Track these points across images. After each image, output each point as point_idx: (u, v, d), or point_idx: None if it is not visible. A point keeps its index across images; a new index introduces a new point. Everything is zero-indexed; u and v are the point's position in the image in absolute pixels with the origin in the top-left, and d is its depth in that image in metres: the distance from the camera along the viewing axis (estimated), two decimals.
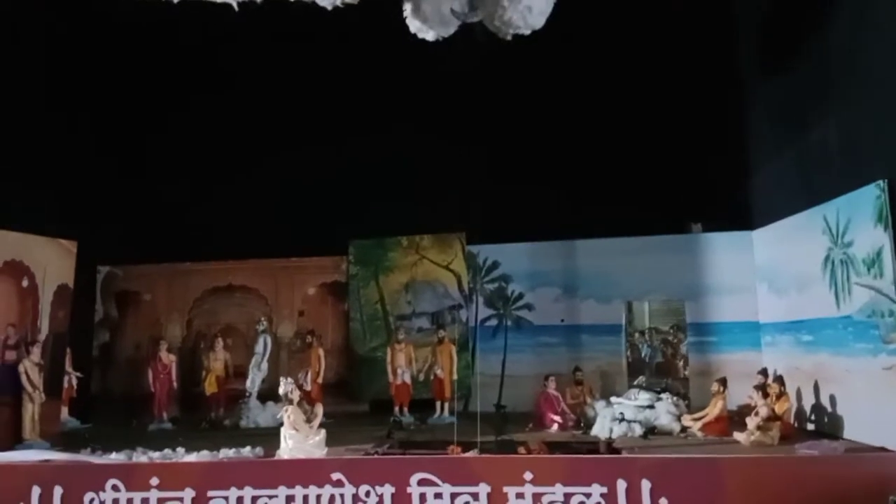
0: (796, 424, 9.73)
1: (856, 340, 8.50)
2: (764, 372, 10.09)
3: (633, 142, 11.83)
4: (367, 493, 5.46)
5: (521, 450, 7.94)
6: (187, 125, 12.71)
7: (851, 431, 8.66)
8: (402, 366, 11.55)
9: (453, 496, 5.35)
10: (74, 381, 11.46)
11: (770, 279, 11.27)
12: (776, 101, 10.68)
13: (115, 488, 5.66)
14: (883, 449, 7.42)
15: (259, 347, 11.94)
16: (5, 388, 9.31)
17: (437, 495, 5.37)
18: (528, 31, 7.46)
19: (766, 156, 11.29)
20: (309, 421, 7.69)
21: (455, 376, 11.47)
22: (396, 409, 11.34)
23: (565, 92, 11.90)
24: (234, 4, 7.26)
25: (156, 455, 8.09)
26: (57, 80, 11.43)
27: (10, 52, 10.39)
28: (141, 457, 8.03)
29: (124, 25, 11.27)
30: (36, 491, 5.59)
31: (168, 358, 11.87)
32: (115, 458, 7.92)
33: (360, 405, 12.43)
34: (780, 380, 9.87)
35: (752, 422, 8.88)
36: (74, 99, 11.89)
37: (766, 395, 9.20)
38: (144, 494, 5.61)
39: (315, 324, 12.88)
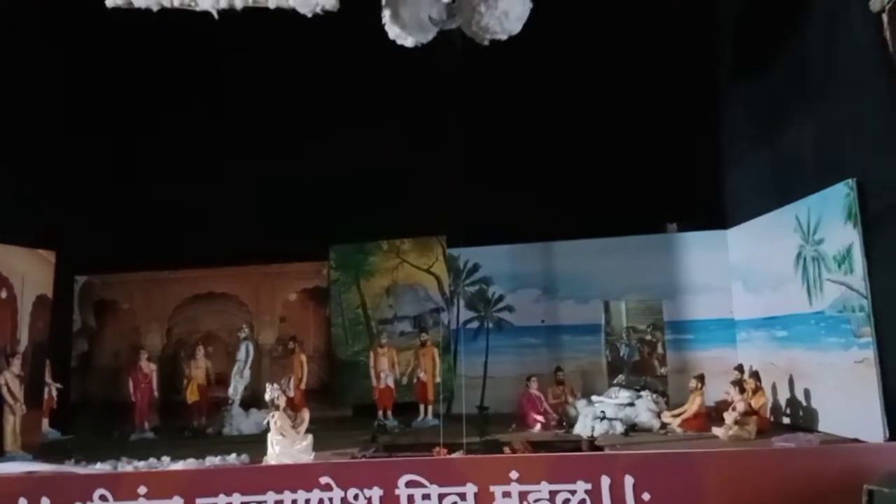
0: (772, 418, 9.94)
1: (828, 335, 8.72)
2: (740, 368, 10.30)
3: (610, 143, 12.00)
4: (356, 496, 5.49)
5: (506, 450, 8.04)
6: (164, 133, 12.64)
7: (826, 424, 8.88)
8: (384, 370, 11.59)
9: (441, 497, 5.40)
10: (55, 392, 11.32)
11: (744, 277, 11.50)
12: (750, 102, 10.90)
13: (102, 498, 5.62)
14: (856, 440, 7.64)
15: (241, 354, 11.94)
16: None
17: (425, 496, 5.42)
18: (505, 37, 7.59)
19: (740, 156, 11.52)
20: (295, 426, 7.73)
21: (438, 379, 11.56)
22: (380, 412, 11.38)
23: (543, 94, 12.04)
24: (214, 13, 7.31)
25: (141, 464, 8.09)
26: (35, 92, 11.32)
27: None
28: (126, 466, 8.02)
29: (104, 34, 11.19)
30: (23, 502, 5.54)
31: (148, 367, 11.81)
32: (99, 468, 7.91)
33: (343, 410, 12.45)
34: (755, 375, 10.10)
35: (729, 417, 9.08)
36: (51, 110, 11.77)
37: (742, 391, 9.42)
38: (132, 503, 5.57)
39: (297, 330, 12.88)
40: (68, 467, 7.95)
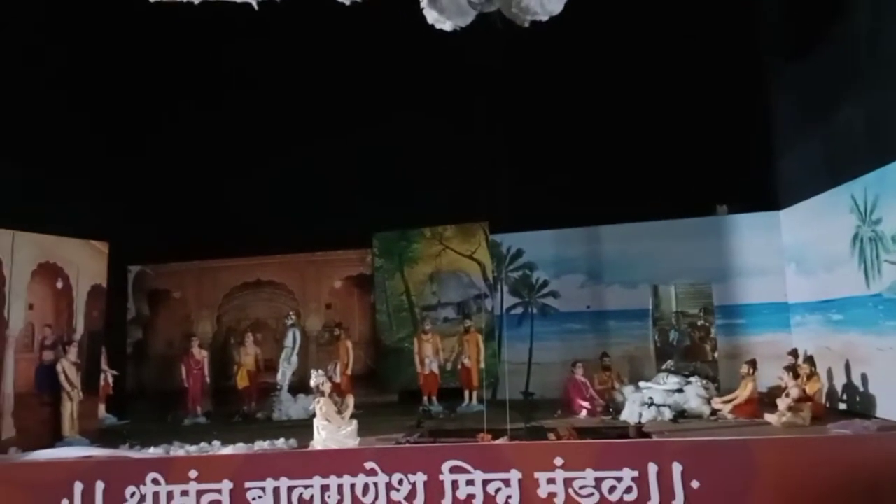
0: (828, 405, 9.65)
1: (886, 318, 8.41)
2: (794, 353, 10.02)
3: (657, 125, 11.72)
4: (400, 482, 5.51)
5: (551, 436, 7.98)
6: (212, 124, 12.83)
7: (883, 410, 8.59)
8: (429, 356, 11.63)
9: (485, 483, 5.38)
10: (110, 379, 11.70)
11: (798, 259, 11.16)
12: (801, 81, 10.55)
13: (155, 482, 5.76)
14: None
15: (288, 341, 12.12)
16: (44, 387, 9.55)
17: (469, 482, 5.41)
18: (546, 17, 7.41)
19: (792, 135, 11.15)
20: (340, 412, 7.80)
21: (482, 365, 11.53)
22: (425, 398, 11.42)
23: (587, 76, 11.81)
24: (255, 4, 7.33)
25: (192, 449, 8.27)
26: (81, 83, 11.62)
27: (33, 57, 10.61)
28: (178, 450, 8.21)
29: (144, 25, 11.38)
30: (78, 486, 5.72)
31: (200, 354, 12.07)
32: (152, 452, 8.12)
33: (388, 396, 12.54)
34: (810, 360, 9.81)
35: (782, 403, 8.82)
36: (100, 102, 12.08)
37: (796, 376, 9.14)
38: (184, 487, 5.71)
39: (342, 316, 13.02)
40: (123, 452, 8.18)
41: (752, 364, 9.83)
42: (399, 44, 11.37)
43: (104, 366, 11.28)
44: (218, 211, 12.87)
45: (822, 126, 9.98)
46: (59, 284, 10.00)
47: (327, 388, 7.85)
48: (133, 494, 5.74)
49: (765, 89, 11.61)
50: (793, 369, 9.29)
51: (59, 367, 9.64)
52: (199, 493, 5.71)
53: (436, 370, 11.65)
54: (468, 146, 11.83)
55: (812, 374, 9.48)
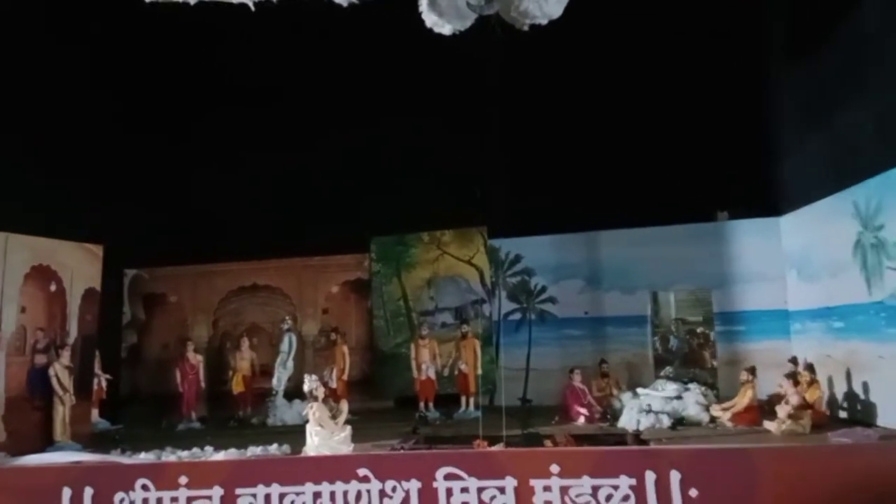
0: (828, 412, 9.57)
1: (889, 326, 8.33)
2: (794, 360, 9.95)
3: (657, 129, 11.67)
4: (394, 489, 5.41)
5: (548, 443, 7.90)
6: (207, 130, 12.81)
7: (885, 418, 8.50)
8: (426, 361, 11.54)
9: (480, 490, 5.28)
10: (104, 383, 11.56)
11: (799, 266, 11.08)
12: (803, 86, 10.49)
13: (144, 488, 5.67)
14: None
15: (284, 346, 12.03)
16: (36, 391, 9.46)
17: (464, 489, 5.30)
18: (545, 21, 7.36)
19: (793, 141, 11.10)
20: (334, 418, 7.71)
21: (479, 371, 11.44)
22: (421, 404, 11.34)
23: (587, 81, 11.76)
24: (251, 4, 7.28)
25: (184, 454, 8.18)
26: (77, 86, 11.55)
27: (28, 59, 10.55)
28: (170, 456, 8.13)
29: (147, 29, 11.35)
30: (67, 492, 5.62)
31: (195, 358, 11.98)
32: (144, 458, 8.03)
33: (385, 401, 12.45)
34: (810, 368, 9.73)
35: (782, 410, 8.73)
36: (96, 106, 12.01)
37: (796, 384, 9.04)
38: (174, 493, 5.61)
39: (339, 321, 12.95)
40: (115, 457, 8.09)
41: (752, 371, 9.74)
42: (397, 48, 11.31)
43: (98, 370, 11.19)
44: (214, 215, 12.82)
45: (824, 131, 9.92)
46: (53, 287, 9.91)
47: (321, 393, 7.75)
48: (122, 501, 5.64)
49: (765, 94, 11.55)
50: (793, 377, 9.19)
51: (51, 371, 9.55)
52: (189, 500, 5.61)
53: (433, 376, 11.56)
54: (466, 151, 11.77)
55: (812, 382, 9.39)
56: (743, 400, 9.46)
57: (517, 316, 12.77)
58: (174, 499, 5.60)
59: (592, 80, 11.72)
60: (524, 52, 10.62)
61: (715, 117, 11.42)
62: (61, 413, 9.53)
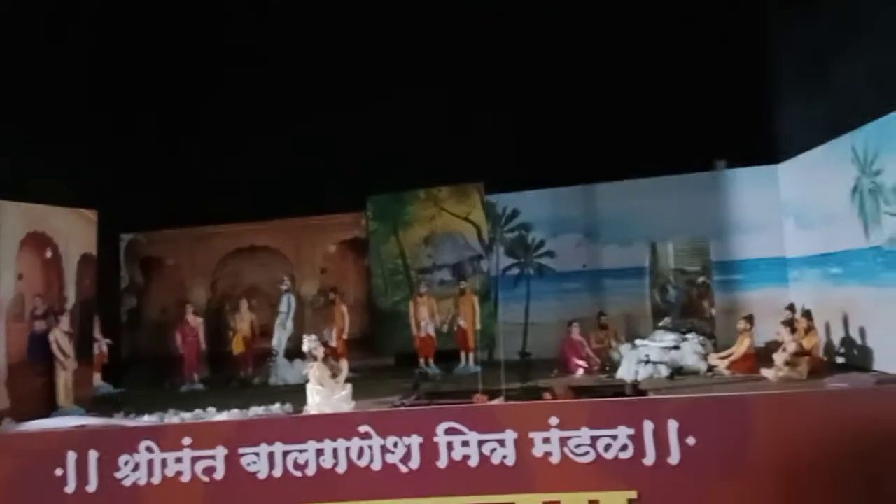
0: (825, 359, 9.64)
1: (886, 271, 8.34)
2: (791, 307, 9.97)
3: (653, 79, 11.53)
4: (395, 444, 5.43)
5: (547, 396, 7.95)
6: (202, 90, 12.65)
7: (882, 363, 8.56)
8: (425, 319, 11.57)
9: (480, 443, 5.32)
10: (105, 348, 11.65)
11: (797, 213, 11.05)
12: (800, 32, 10.34)
13: (148, 449, 5.68)
14: None
15: (283, 306, 12.06)
16: (37, 357, 9.49)
17: (464, 443, 5.34)
18: None
19: (791, 88, 10.97)
20: (335, 376, 7.75)
21: (478, 326, 11.49)
22: (422, 361, 11.40)
23: (582, 32, 11.59)
24: None
25: (187, 416, 8.26)
26: (72, 51, 11.35)
27: (25, 27, 10.33)
28: (173, 418, 8.20)
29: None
30: (72, 455, 5.64)
31: (195, 321, 12.01)
32: (147, 420, 8.10)
33: (385, 359, 12.54)
34: (807, 314, 9.77)
35: (780, 357, 8.80)
36: (89, 69, 11.83)
37: (793, 331, 9.10)
38: (178, 454, 5.63)
39: (337, 281, 12.96)
40: (118, 420, 8.16)
41: (749, 319, 9.79)
42: (391, 4, 11.12)
43: (98, 335, 11.24)
44: (210, 176, 12.75)
45: (822, 77, 9.79)
46: (49, 254, 9.87)
47: (320, 352, 7.78)
48: (127, 463, 5.67)
49: (763, 41, 11.37)
50: (790, 324, 9.25)
51: (51, 337, 9.58)
52: (194, 460, 5.64)
53: (432, 333, 11.61)
54: (461, 106, 11.66)
55: (809, 329, 9.44)
56: (740, 348, 9.53)
57: (515, 271, 12.78)
58: (178, 459, 5.62)
59: (588, 32, 11.54)
60: (520, 5, 10.45)
61: (712, 65, 11.27)
62: (63, 378, 9.59)
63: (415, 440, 5.42)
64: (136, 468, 5.63)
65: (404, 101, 11.77)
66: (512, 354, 10.10)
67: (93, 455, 5.68)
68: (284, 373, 11.40)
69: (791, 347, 8.80)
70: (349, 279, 13.25)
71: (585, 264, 12.43)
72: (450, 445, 5.37)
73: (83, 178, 10.96)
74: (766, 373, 8.83)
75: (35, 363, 9.46)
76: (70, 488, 5.55)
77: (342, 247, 13.45)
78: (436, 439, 5.38)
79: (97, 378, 11.15)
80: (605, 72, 11.53)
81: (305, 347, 7.82)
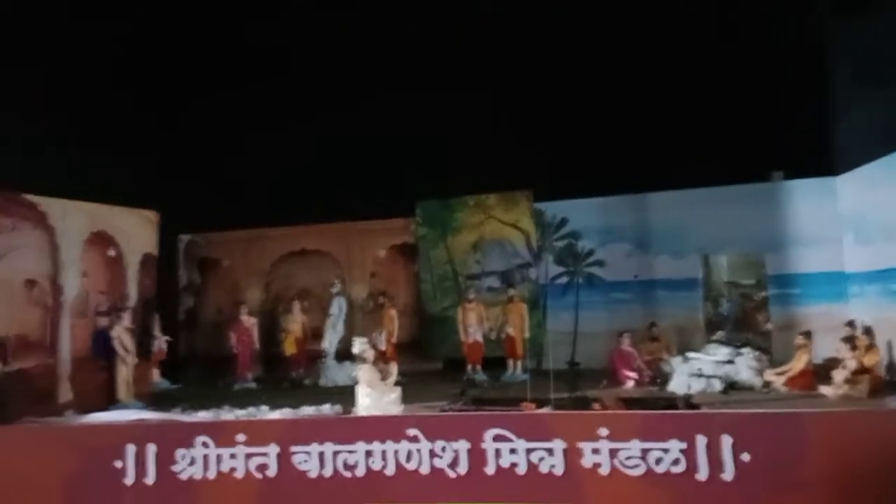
0: (887, 377, 9.32)
1: None
2: (851, 324, 9.68)
3: (710, 87, 11.33)
4: (443, 449, 5.49)
5: (596, 406, 7.88)
6: (259, 96, 12.92)
7: None
8: (473, 325, 11.58)
9: (528, 451, 5.32)
10: (164, 345, 12.01)
11: (856, 227, 10.73)
12: (860, 42, 10.05)
13: (204, 445, 5.86)
14: None
15: (334, 309, 12.24)
16: (100, 353, 9.85)
17: (512, 451, 5.36)
18: None
19: (850, 98, 10.67)
20: (384, 379, 7.83)
21: (526, 334, 11.45)
22: (469, 367, 11.41)
23: (636, 39, 11.47)
24: None
25: (241, 413, 8.44)
26: (132, 56, 11.77)
27: (81, 37, 10.77)
28: (227, 415, 8.39)
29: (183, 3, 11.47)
30: (131, 449, 5.85)
31: (249, 321, 12.28)
32: (203, 416, 8.30)
33: (433, 364, 12.59)
34: (868, 331, 9.45)
35: (839, 375, 8.55)
36: (149, 75, 12.23)
37: (854, 348, 8.82)
38: (232, 450, 5.79)
39: (387, 285, 13.10)
40: (175, 415, 8.39)
41: (808, 335, 9.53)
42: (443, 11, 11.20)
43: (157, 332, 11.59)
44: (264, 180, 13.02)
45: (882, 89, 9.51)
46: (112, 253, 10.24)
47: (370, 355, 7.88)
48: (184, 457, 5.85)
49: (822, 51, 11.09)
50: (850, 340, 8.96)
51: (113, 334, 9.91)
52: (247, 457, 5.79)
53: (480, 339, 11.61)
54: (511, 114, 11.66)
55: (870, 346, 9.13)
56: (798, 364, 9.28)
57: (564, 279, 12.71)
58: (233, 455, 5.78)
59: (643, 38, 11.42)
60: (570, 10, 10.41)
61: (770, 74, 11.05)
62: (124, 373, 9.92)
63: (462, 445, 5.46)
64: (192, 462, 5.81)
65: (455, 109, 11.83)
66: (560, 364, 10.03)
67: (151, 448, 5.87)
68: (334, 374, 11.55)
69: (851, 365, 8.54)
70: (398, 283, 13.38)
71: (637, 275, 12.28)
72: (498, 452, 5.39)
73: (145, 180, 11.32)
74: (824, 390, 8.58)
75: (97, 358, 9.81)
76: (129, 480, 5.76)
77: (392, 251, 13.58)
78: (483, 445, 5.42)
79: (156, 374, 11.51)
80: (661, 80, 11.40)
81: (356, 350, 7.93)
